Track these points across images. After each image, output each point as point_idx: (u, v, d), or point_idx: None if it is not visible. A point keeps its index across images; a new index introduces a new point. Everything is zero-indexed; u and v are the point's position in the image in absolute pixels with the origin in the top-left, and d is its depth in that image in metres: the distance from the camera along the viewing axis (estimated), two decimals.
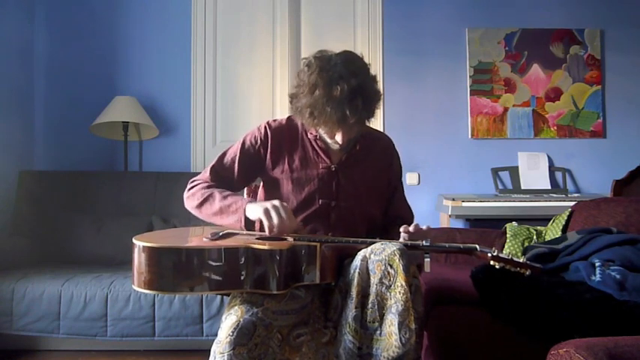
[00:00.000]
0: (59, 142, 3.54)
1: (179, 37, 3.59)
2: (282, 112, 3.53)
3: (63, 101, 3.55)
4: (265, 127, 1.61)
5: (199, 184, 1.59)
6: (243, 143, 1.61)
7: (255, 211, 1.42)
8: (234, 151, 1.62)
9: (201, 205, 1.54)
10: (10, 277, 2.53)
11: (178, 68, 3.58)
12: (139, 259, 1.27)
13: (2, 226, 3.12)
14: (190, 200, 1.57)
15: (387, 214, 1.68)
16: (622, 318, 1.33)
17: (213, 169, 1.62)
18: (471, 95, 3.60)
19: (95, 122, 3.29)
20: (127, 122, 3.34)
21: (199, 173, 1.65)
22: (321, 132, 1.54)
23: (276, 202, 1.40)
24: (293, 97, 1.51)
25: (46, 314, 2.42)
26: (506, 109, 3.60)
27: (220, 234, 1.39)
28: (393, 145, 1.71)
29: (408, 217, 1.70)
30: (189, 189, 1.59)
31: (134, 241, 1.30)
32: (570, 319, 1.37)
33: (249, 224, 1.46)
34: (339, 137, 1.48)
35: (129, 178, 3.26)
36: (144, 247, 1.26)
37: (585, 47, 3.60)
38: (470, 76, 3.60)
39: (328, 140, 1.54)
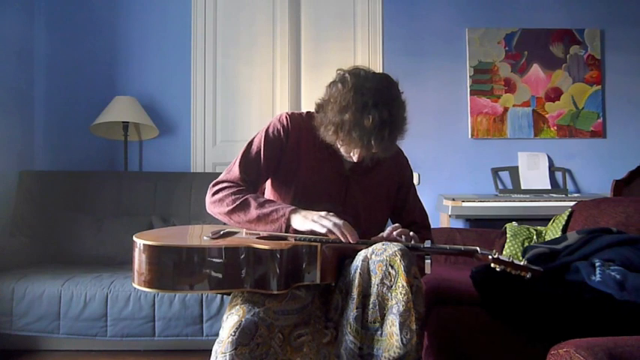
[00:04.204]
0: (59, 142, 3.54)
1: (179, 37, 3.59)
2: (281, 111, 3.52)
3: (63, 101, 3.55)
4: (287, 118, 1.57)
5: (227, 187, 1.48)
6: (266, 135, 1.54)
7: (304, 223, 1.37)
8: (257, 145, 1.54)
9: (232, 211, 1.44)
10: (10, 277, 2.53)
11: (178, 68, 3.58)
12: (139, 257, 1.27)
13: (2, 226, 3.12)
14: (217, 206, 1.46)
15: (401, 218, 1.65)
16: (622, 318, 1.33)
17: (241, 166, 1.52)
18: (471, 95, 3.60)
19: (95, 122, 3.29)
20: (127, 122, 3.34)
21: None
22: (339, 146, 1.49)
23: (323, 213, 1.37)
24: (320, 108, 1.48)
25: (46, 314, 2.42)
26: (506, 109, 3.60)
27: (221, 232, 1.40)
28: (402, 151, 1.70)
29: (421, 220, 1.69)
30: (215, 192, 1.48)
31: (134, 238, 1.30)
32: (570, 319, 1.37)
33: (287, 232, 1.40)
34: (355, 156, 1.46)
35: (129, 178, 3.26)
36: (144, 245, 1.27)
37: (585, 47, 3.60)
38: (470, 76, 3.60)
39: (343, 153, 1.51)
